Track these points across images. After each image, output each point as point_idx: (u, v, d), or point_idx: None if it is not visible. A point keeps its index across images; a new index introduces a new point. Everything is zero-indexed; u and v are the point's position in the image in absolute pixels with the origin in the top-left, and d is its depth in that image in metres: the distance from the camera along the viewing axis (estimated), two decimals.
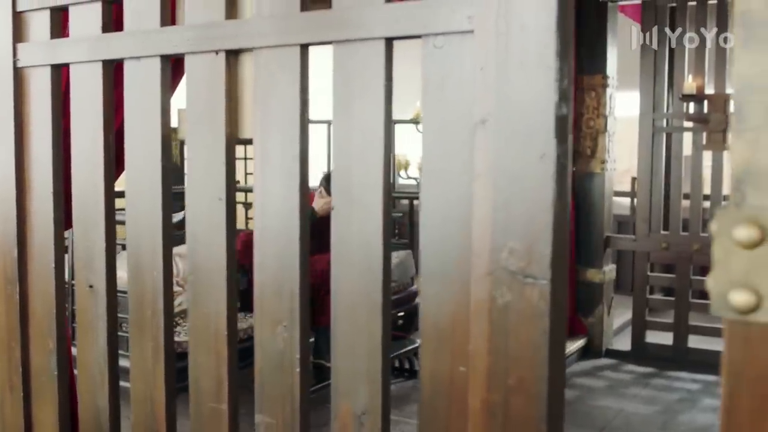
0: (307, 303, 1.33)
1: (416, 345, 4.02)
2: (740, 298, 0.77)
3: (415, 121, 5.34)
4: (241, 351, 1.46)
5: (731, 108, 0.82)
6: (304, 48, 1.29)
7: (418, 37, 1.19)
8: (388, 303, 1.25)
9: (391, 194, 1.25)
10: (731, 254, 0.78)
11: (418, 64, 1.19)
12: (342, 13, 1.24)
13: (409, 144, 5.67)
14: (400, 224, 6.01)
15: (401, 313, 4.60)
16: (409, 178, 5.74)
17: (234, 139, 1.40)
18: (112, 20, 1.53)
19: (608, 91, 4.80)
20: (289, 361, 1.34)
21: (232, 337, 1.41)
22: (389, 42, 1.21)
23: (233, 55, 1.38)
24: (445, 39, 1.16)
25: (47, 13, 1.59)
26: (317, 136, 6.29)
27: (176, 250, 1.48)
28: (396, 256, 4.39)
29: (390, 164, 1.24)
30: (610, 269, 4.96)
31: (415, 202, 5.54)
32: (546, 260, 1.08)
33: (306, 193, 1.32)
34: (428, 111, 1.18)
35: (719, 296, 0.79)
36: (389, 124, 1.23)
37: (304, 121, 1.31)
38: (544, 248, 1.08)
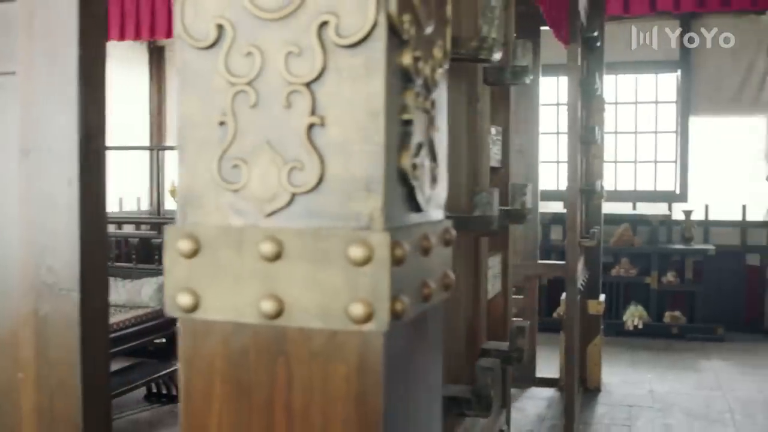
0: None
1: (173, 369, 4.07)
2: (184, 299, 0.92)
3: None
4: None
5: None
6: None
7: None
8: None
9: None
10: (176, 263, 0.93)
11: None
12: None
13: None
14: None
15: (163, 339, 4.34)
16: None
17: None
18: None
19: None
20: None
21: None
22: None
23: None
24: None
25: None
26: None
27: None
28: (156, 282, 4.40)
29: None
30: None
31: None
32: (75, 274, 1.22)
33: None
34: None
35: (170, 298, 0.93)
36: None
37: None
38: (73, 263, 1.22)
